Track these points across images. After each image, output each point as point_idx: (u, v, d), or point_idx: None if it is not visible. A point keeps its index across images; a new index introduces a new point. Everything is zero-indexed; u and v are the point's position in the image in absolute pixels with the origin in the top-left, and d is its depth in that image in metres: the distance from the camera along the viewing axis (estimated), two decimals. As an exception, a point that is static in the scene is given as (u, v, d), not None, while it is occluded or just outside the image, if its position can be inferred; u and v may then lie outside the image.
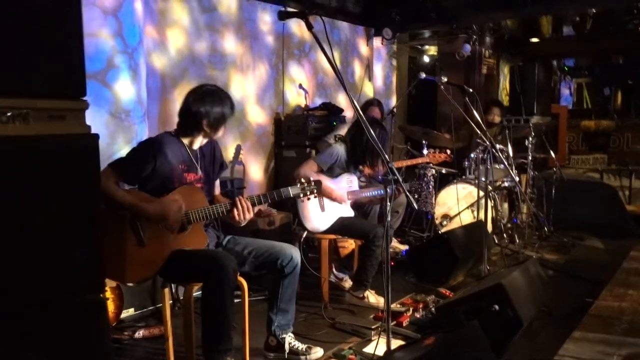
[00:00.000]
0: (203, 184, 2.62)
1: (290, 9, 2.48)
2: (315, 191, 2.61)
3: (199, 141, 2.60)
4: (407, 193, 2.31)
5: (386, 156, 2.23)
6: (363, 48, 6.32)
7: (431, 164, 4.87)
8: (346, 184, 3.60)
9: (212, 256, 2.38)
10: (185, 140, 2.58)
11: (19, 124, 1.49)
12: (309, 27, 2.27)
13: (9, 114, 1.46)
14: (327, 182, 3.39)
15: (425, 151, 5.02)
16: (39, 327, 1.55)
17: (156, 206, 2.36)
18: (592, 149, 8.18)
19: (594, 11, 6.82)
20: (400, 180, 2.23)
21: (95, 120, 3.30)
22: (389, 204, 2.22)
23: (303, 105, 5.41)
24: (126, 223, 2.35)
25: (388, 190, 2.20)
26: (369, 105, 4.77)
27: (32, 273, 1.52)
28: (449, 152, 4.74)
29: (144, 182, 2.49)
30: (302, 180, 2.62)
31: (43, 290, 1.56)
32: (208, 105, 2.51)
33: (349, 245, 3.85)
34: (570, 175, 6.63)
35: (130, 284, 2.46)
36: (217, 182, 2.81)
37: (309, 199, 2.65)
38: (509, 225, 5.31)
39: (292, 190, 2.58)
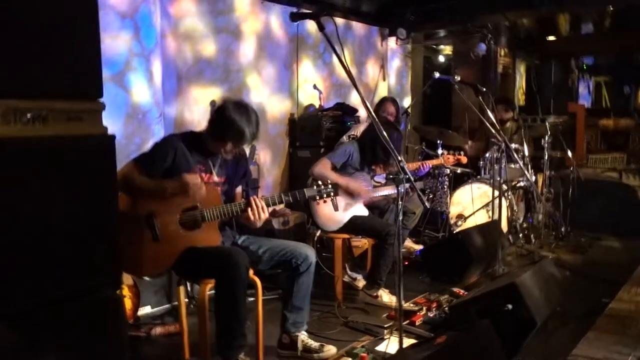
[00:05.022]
0: (222, 186, 2.66)
1: (303, 10, 2.50)
2: (332, 194, 2.61)
3: (215, 148, 2.61)
4: (419, 192, 2.33)
5: (399, 156, 2.24)
6: (377, 48, 6.32)
7: (445, 165, 4.85)
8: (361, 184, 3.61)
9: (225, 253, 2.41)
10: (207, 142, 2.62)
11: (38, 125, 1.54)
12: (321, 28, 2.29)
13: (28, 115, 1.51)
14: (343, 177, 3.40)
15: (440, 151, 5.01)
16: (56, 324, 1.59)
17: (176, 182, 2.42)
18: (611, 148, 8.08)
19: (612, 8, 6.71)
20: (412, 179, 2.24)
21: (112, 121, 3.37)
22: (400, 202, 2.24)
23: (317, 106, 5.43)
24: (142, 219, 2.41)
25: (399, 189, 2.21)
26: (383, 102, 4.77)
27: (50, 270, 1.57)
28: (462, 153, 4.72)
29: (163, 178, 2.53)
30: (319, 182, 2.63)
31: (61, 288, 1.60)
32: (242, 123, 2.49)
33: (363, 244, 3.86)
34: (588, 175, 6.54)
35: (146, 278, 2.52)
36: (239, 189, 2.83)
37: (325, 201, 2.66)
38: (525, 225, 5.27)
39: (307, 192, 2.60)
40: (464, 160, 4.75)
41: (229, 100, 2.60)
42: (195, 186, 2.41)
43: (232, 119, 2.48)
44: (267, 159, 4.98)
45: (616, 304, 3.39)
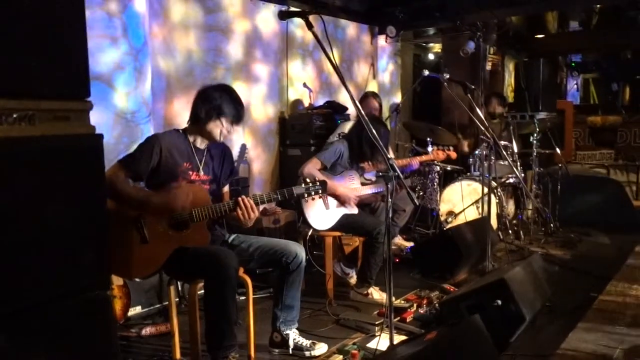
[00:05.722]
0: (209, 185, 2.65)
1: (292, 9, 2.50)
2: (320, 191, 2.62)
3: (205, 137, 2.62)
4: (409, 190, 2.33)
5: (387, 153, 2.25)
6: (367, 46, 6.33)
7: (435, 161, 4.88)
8: (348, 182, 3.63)
9: (214, 254, 2.41)
10: (192, 138, 2.62)
11: (25, 125, 1.52)
12: (309, 26, 2.29)
13: (15, 115, 1.50)
14: (331, 180, 3.41)
15: (430, 148, 5.03)
16: (45, 324, 1.58)
17: (162, 197, 2.41)
18: (599, 144, 8.15)
19: (599, 6, 6.78)
20: (401, 176, 2.25)
21: (100, 121, 3.35)
22: (390, 200, 2.24)
23: (307, 104, 5.43)
24: (130, 221, 2.39)
25: (389, 186, 2.22)
26: (366, 97, 4.79)
27: (39, 271, 1.56)
28: (452, 149, 4.75)
29: (149, 179, 2.53)
30: (307, 180, 2.64)
31: (49, 288, 1.59)
32: (231, 97, 2.59)
33: (354, 242, 3.87)
34: (577, 171, 6.61)
35: (136, 280, 2.51)
36: (226, 188, 2.83)
37: (313, 199, 2.67)
38: (514, 221, 5.31)
39: (296, 190, 2.60)
40: (454, 155, 4.78)
41: (208, 86, 2.66)
42: (183, 201, 2.43)
43: (218, 93, 2.57)
44: (257, 158, 4.97)
45: (604, 298, 3.44)
